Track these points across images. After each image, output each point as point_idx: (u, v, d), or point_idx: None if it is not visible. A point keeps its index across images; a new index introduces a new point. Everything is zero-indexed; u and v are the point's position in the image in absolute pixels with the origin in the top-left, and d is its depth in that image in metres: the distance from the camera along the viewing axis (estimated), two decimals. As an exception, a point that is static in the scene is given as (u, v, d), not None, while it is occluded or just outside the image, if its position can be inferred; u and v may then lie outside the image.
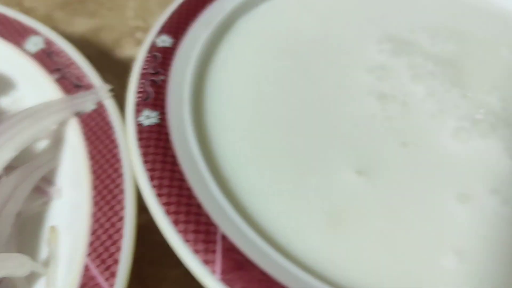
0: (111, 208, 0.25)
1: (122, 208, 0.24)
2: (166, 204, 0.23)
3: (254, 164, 0.27)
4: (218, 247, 0.22)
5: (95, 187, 0.27)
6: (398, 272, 0.24)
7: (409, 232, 0.25)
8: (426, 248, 0.25)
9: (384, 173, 0.27)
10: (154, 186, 0.24)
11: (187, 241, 0.22)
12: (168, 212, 0.23)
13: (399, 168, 0.28)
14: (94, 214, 0.25)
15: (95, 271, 0.24)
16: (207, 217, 0.23)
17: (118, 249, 0.24)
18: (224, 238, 0.23)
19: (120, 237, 0.24)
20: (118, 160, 0.27)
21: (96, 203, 0.25)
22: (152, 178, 0.24)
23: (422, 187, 0.27)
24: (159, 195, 0.24)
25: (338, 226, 0.25)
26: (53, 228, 0.28)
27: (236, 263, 0.22)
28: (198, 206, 0.24)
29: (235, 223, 0.24)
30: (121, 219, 0.24)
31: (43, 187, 0.30)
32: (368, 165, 0.28)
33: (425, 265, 0.24)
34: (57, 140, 0.30)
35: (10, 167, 0.28)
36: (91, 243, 0.24)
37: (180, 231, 0.23)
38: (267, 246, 0.23)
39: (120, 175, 0.26)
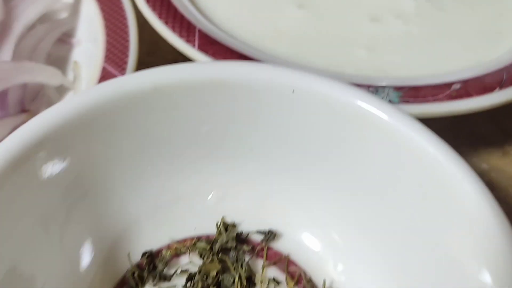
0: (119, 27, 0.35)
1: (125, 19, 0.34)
2: (158, 14, 0.33)
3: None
4: (196, 34, 0.32)
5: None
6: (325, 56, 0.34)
7: (334, 40, 0.35)
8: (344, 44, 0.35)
9: (319, 5, 0.37)
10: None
11: (174, 31, 0.32)
12: (159, 17, 0.33)
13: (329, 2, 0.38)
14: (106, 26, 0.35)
15: (110, 68, 0.33)
16: (187, 21, 0.33)
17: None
18: (200, 31, 0.33)
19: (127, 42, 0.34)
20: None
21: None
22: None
23: (344, 14, 0.37)
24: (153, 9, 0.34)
25: (280, 38, 0.35)
26: (76, 62, 0.38)
27: (208, 41, 0.32)
28: (181, 16, 0.34)
29: (208, 26, 0.34)
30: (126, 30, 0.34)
31: (66, 39, 0.39)
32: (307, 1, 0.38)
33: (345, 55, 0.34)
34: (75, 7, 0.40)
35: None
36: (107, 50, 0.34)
37: (169, 27, 0.32)
38: (229, 36, 0.33)
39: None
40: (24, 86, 0.34)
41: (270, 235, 0.28)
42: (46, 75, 0.35)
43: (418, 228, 0.23)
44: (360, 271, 0.26)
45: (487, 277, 0.20)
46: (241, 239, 0.28)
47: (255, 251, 0.28)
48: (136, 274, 0.26)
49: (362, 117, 0.23)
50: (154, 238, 0.27)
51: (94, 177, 0.25)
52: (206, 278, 0.26)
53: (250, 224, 0.28)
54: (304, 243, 0.27)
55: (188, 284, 0.26)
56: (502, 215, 0.21)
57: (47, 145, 0.22)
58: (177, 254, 0.28)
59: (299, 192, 0.27)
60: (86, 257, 0.25)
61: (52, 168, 0.23)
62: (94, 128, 0.24)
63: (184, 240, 0.28)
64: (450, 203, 0.22)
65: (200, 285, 0.25)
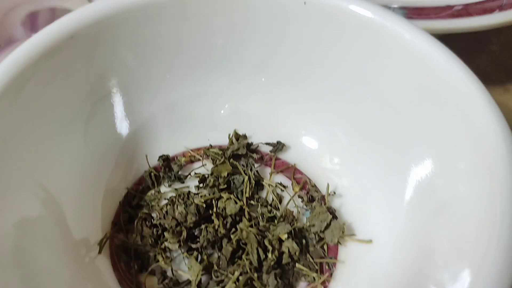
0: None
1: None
2: None
3: None
4: None
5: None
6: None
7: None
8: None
9: None
10: None
11: None
12: None
13: None
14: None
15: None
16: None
17: None
18: None
19: None
20: None
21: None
22: None
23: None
24: None
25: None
26: None
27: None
28: None
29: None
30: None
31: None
32: None
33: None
34: None
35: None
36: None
37: None
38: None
39: None
40: (53, 10, 0.36)
41: (279, 146, 0.30)
42: (74, 2, 0.37)
43: (412, 127, 0.24)
44: (361, 180, 0.28)
45: (483, 183, 0.20)
46: (251, 149, 0.30)
47: (264, 160, 0.30)
48: (152, 175, 0.28)
49: (367, 26, 0.25)
50: (170, 146, 0.29)
51: (117, 79, 0.27)
52: (218, 179, 0.28)
53: (260, 136, 0.30)
54: (310, 155, 0.29)
55: (201, 184, 0.28)
56: (502, 119, 0.21)
57: (76, 41, 0.24)
58: (191, 161, 0.30)
59: (307, 105, 0.29)
60: (107, 154, 0.27)
61: (80, 64, 0.25)
62: (119, 32, 0.26)
63: (198, 149, 0.30)
64: (446, 104, 0.23)
65: (211, 184, 0.27)
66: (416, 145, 0.25)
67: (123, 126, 0.28)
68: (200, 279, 0.24)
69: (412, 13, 0.28)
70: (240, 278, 0.24)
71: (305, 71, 0.28)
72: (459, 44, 0.29)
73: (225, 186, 0.27)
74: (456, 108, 0.22)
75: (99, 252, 0.25)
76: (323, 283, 0.25)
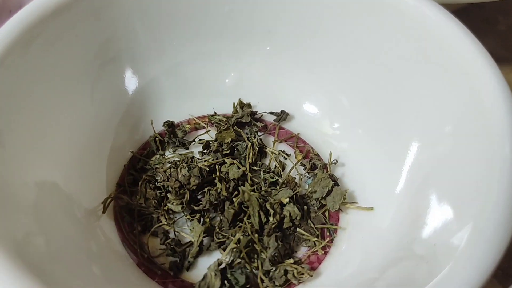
0: None
1: None
2: None
3: None
4: None
5: None
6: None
7: None
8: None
9: None
10: None
11: None
12: None
13: None
14: None
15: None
16: None
17: None
18: None
19: None
20: None
21: None
22: None
23: None
24: None
25: None
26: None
27: None
28: None
29: None
30: None
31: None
32: None
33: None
34: None
35: None
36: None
37: None
38: None
39: None
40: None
41: (282, 115, 0.30)
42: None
43: (414, 92, 0.25)
44: (362, 144, 0.28)
45: (483, 144, 0.20)
46: (255, 118, 0.30)
47: (268, 129, 0.30)
48: (157, 139, 0.28)
49: None
50: (175, 113, 0.30)
51: (125, 42, 0.27)
52: (221, 144, 0.28)
53: (264, 106, 0.30)
54: (312, 122, 0.29)
55: (205, 150, 0.28)
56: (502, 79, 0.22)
57: (84, 1, 0.24)
58: (196, 128, 0.30)
59: (310, 73, 0.29)
60: (113, 116, 0.28)
61: (87, 25, 0.25)
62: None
63: (203, 117, 0.30)
64: (448, 68, 0.23)
65: (215, 150, 0.28)
66: (417, 109, 0.25)
67: (128, 90, 0.28)
68: (202, 241, 0.25)
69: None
70: (242, 239, 0.24)
71: (309, 39, 0.28)
72: (467, 24, 0.29)
73: (229, 151, 0.28)
74: (458, 71, 0.23)
75: (103, 211, 0.25)
76: (323, 248, 0.25)
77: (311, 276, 0.24)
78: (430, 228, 0.21)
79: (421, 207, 0.23)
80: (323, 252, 0.25)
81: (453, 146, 0.22)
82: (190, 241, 0.25)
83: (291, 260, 0.24)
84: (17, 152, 0.21)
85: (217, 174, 0.26)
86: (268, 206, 0.25)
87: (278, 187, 0.26)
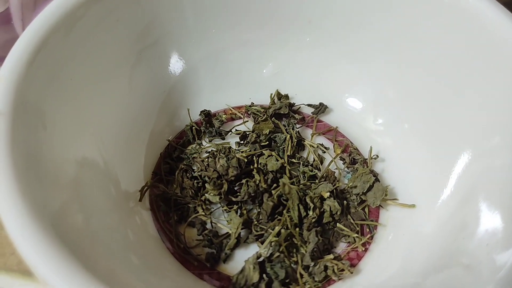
0: None
1: None
2: None
3: None
4: None
5: None
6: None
7: None
8: None
9: None
10: None
11: None
12: None
13: None
14: None
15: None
16: None
17: None
18: None
19: None
20: None
21: None
22: None
23: None
24: None
25: None
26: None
27: None
28: None
29: None
30: None
31: None
32: None
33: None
34: None
35: None
36: None
37: None
38: None
39: None
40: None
41: (321, 108, 0.29)
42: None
43: (466, 88, 0.24)
44: (407, 140, 0.27)
45: None
46: (293, 109, 0.29)
47: (305, 121, 0.29)
48: (194, 129, 0.28)
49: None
50: (212, 103, 0.29)
51: (164, 29, 0.27)
52: (259, 136, 0.27)
53: (302, 97, 0.30)
54: (353, 116, 0.29)
55: (242, 141, 0.28)
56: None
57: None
58: (232, 118, 0.29)
59: (352, 66, 0.28)
60: (150, 103, 0.27)
61: (128, 9, 0.25)
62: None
63: (240, 107, 0.29)
64: (500, 68, 0.22)
65: (253, 141, 0.27)
66: (472, 114, 0.24)
67: (166, 77, 0.28)
68: (239, 233, 0.24)
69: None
70: (282, 232, 0.23)
71: (353, 30, 0.27)
72: None
73: (267, 143, 0.27)
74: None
75: (140, 199, 0.25)
76: (363, 244, 0.24)
77: (352, 273, 0.23)
78: (478, 239, 0.21)
79: (469, 215, 0.22)
80: (363, 249, 0.24)
81: (508, 158, 0.21)
82: (227, 232, 0.25)
83: (331, 256, 0.23)
84: (60, 132, 0.21)
85: (255, 165, 0.26)
86: (308, 200, 0.24)
87: (317, 181, 0.26)
